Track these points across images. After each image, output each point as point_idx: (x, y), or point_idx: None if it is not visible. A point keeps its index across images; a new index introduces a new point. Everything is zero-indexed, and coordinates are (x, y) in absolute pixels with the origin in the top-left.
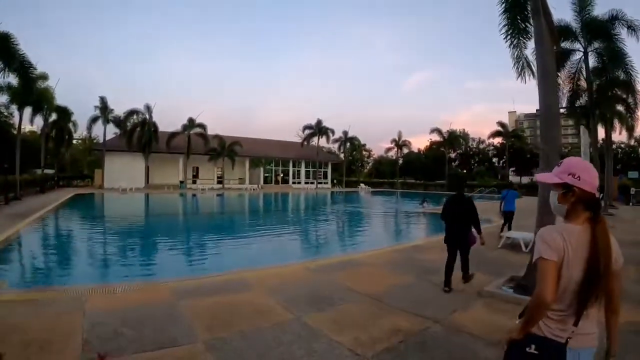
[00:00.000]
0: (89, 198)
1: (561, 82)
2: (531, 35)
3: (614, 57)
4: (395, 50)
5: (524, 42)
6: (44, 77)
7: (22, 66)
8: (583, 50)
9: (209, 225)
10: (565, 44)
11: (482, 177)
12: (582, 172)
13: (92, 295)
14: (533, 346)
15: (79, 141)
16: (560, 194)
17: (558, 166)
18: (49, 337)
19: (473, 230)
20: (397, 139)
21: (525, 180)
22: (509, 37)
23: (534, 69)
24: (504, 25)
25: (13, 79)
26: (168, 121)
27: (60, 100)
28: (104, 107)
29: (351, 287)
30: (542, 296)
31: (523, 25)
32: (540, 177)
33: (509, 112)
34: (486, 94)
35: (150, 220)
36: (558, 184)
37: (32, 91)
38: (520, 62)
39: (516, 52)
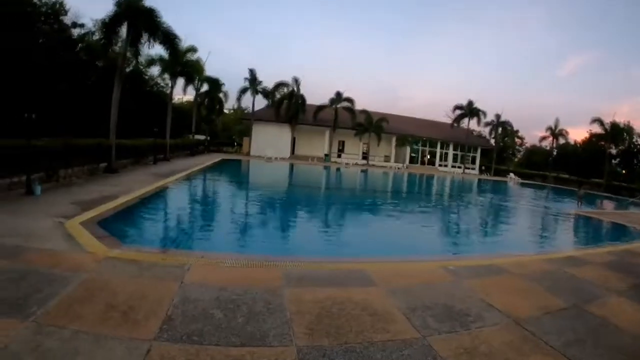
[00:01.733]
0: (233, 163)
1: None
2: None
3: None
4: (551, 30)
5: None
6: (193, 49)
7: (167, 38)
8: None
9: (346, 201)
10: None
11: None
12: None
13: (197, 265)
14: None
15: (231, 111)
16: None
17: None
18: (134, 305)
19: None
20: (553, 127)
21: None
22: None
23: None
24: None
25: (164, 52)
26: (317, 95)
27: (214, 73)
28: (253, 79)
29: (491, 302)
30: None
31: None
32: None
33: None
34: None
35: (287, 190)
36: None
37: (177, 60)
38: None
39: None
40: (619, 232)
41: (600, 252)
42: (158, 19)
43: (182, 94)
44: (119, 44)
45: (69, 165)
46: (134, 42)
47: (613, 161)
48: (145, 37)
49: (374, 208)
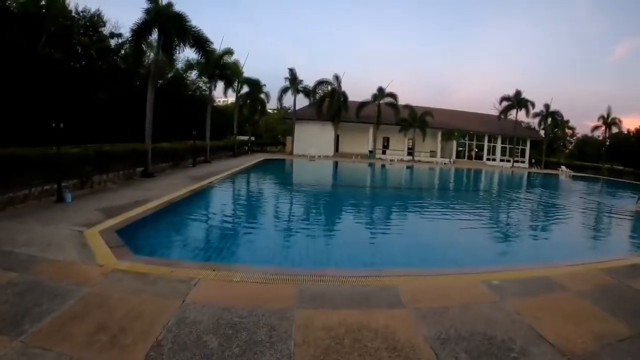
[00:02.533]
0: (275, 163)
1: None
2: None
3: None
4: (599, 14)
5: None
6: (229, 52)
7: (198, 41)
8: None
9: (387, 201)
10: None
11: None
12: None
13: (206, 280)
14: None
15: (275, 111)
16: None
17: None
18: (127, 326)
19: None
20: (605, 115)
21: None
22: None
23: None
24: None
25: (197, 56)
26: (358, 92)
27: (259, 74)
28: (293, 78)
29: (541, 330)
30: None
31: None
32: None
33: None
34: None
35: (327, 190)
36: None
37: (210, 63)
38: None
39: None
40: None
41: None
42: (187, 24)
43: (223, 96)
44: (153, 50)
45: (104, 171)
46: (165, 47)
47: None
48: (176, 41)
49: (416, 209)
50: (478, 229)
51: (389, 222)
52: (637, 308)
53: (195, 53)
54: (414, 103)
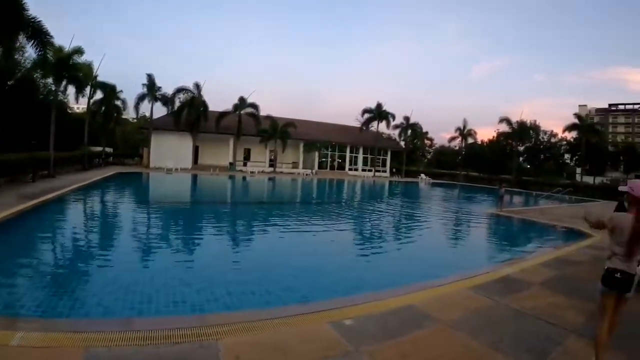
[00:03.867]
0: (127, 177)
1: None
2: None
3: None
4: (462, 39)
5: None
6: (79, 51)
7: (37, 33)
8: None
9: (231, 218)
10: None
11: (550, 175)
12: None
13: None
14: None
15: (134, 119)
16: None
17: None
18: None
19: None
20: (461, 127)
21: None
22: None
23: None
24: None
25: (34, 51)
26: (223, 102)
27: (119, 80)
28: (151, 85)
29: None
30: None
31: None
32: (621, 188)
33: (579, 106)
34: (551, 87)
35: (172, 209)
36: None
37: (48, 61)
38: None
39: None
40: (545, 232)
41: (534, 264)
42: (23, 11)
43: (75, 101)
44: None
45: None
46: None
47: (520, 158)
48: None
49: (264, 227)
50: (329, 250)
51: (226, 249)
52: (523, 336)
53: (34, 48)
54: (282, 116)
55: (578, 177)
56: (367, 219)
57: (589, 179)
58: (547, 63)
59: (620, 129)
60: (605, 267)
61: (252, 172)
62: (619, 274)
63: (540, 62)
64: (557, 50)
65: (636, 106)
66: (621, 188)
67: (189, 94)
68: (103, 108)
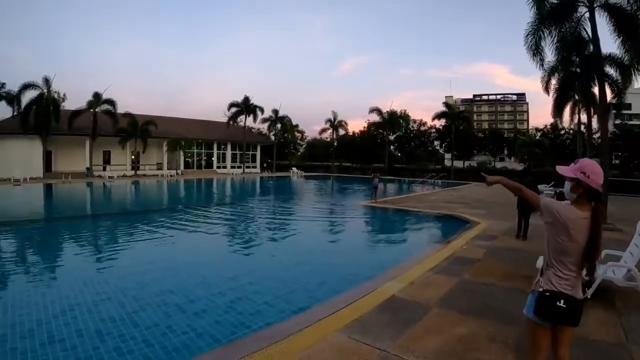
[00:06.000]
0: None
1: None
2: None
3: None
4: (331, 35)
5: None
6: None
7: None
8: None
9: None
10: None
11: (421, 161)
12: (591, 172)
13: None
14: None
15: None
16: (573, 185)
17: (574, 164)
18: None
19: None
20: (332, 119)
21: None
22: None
23: None
24: None
25: None
26: (82, 101)
27: None
28: None
29: None
30: None
31: None
32: (560, 169)
33: (446, 97)
34: (415, 80)
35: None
36: (572, 177)
37: None
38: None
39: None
40: (425, 222)
41: (424, 271)
42: None
43: None
44: None
45: None
46: None
47: (392, 146)
48: None
49: (100, 253)
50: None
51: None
52: None
53: None
54: (148, 113)
55: (448, 162)
56: (224, 223)
57: (458, 163)
58: (413, 59)
59: (485, 117)
60: (540, 289)
61: (110, 177)
62: (562, 301)
63: (406, 57)
64: (422, 48)
65: (499, 96)
66: (562, 170)
67: (38, 90)
68: None
